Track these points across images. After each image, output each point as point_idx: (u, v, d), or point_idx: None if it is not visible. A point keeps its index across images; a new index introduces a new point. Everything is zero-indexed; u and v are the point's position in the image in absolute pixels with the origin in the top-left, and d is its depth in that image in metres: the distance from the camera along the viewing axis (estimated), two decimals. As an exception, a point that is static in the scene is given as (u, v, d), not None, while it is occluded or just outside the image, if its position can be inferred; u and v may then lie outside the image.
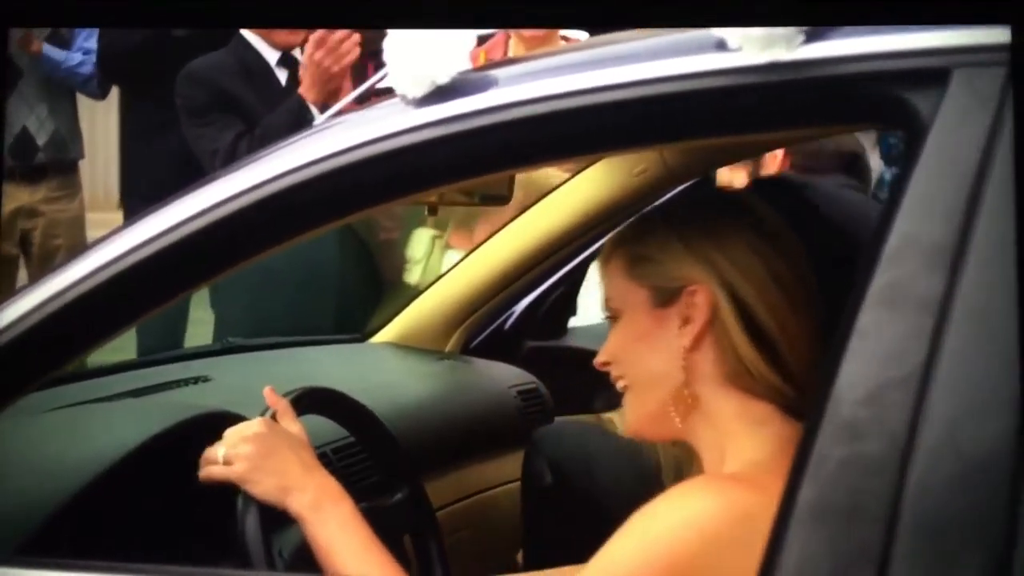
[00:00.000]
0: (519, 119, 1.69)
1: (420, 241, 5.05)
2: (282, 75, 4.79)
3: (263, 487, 1.95)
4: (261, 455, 1.96)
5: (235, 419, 2.32)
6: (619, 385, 1.85)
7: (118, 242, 1.83)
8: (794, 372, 1.74)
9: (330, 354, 3.40)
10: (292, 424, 2.03)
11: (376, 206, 1.78)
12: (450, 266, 4.98)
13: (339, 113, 1.87)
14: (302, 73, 4.50)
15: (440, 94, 1.74)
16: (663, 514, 1.66)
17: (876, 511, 1.39)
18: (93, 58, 5.52)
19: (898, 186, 1.47)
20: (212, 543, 2.07)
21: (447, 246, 5.01)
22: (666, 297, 1.78)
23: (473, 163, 1.73)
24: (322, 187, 1.75)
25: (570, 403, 3.30)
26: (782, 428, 1.73)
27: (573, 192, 3.14)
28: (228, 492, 2.00)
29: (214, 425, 2.24)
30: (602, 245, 1.90)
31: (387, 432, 2.26)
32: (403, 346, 3.42)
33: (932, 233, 1.43)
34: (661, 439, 1.88)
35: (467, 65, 1.76)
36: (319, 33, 4.35)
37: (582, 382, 3.36)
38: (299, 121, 4.59)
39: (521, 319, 3.52)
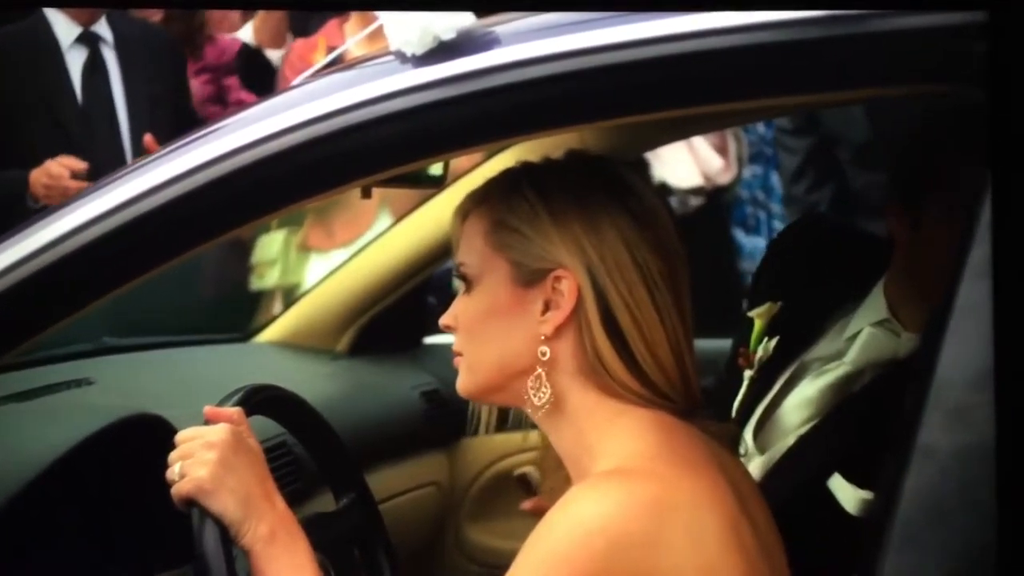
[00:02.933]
0: (540, 78, 1.52)
1: (271, 242, 4.83)
2: (79, 55, 4.36)
3: (221, 504, 1.71)
4: (224, 467, 1.71)
5: (162, 423, 2.12)
6: (456, 358, 1.72)
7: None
8: (651, 376, 1.63)
9: (212, 354, 3.18)
10: (250, 438, 1.79)
11: (370, 176, 1.59)
12: (310, 264, 4.80)
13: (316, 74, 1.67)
14: (40, 174, 4.07)
15: (443, 51, 1.56)
16: (562, 523, 1.54)
17: (995, 507, 1.25)
18: None
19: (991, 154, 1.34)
20: (150, 557, 1.86)
21: (304, 246, 4.79)
22: (529, 277, 1.66)
23: (487, 126, 1.56)
24: (312, 154, 1.55)
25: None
26: (652, 416, 1.63)
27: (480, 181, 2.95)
28: (169, 502, 1.77)
29: (143, 429, 2.03)
30: None
31: (334, 433, 2.06)
32: (290, 345, 3.21)
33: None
34: (504, 406, 1.77)
35: (471, 20, 1.58)
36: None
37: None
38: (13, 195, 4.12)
39: (417, 313, 3.33)
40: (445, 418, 3.13)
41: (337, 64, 1.77)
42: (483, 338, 1.69)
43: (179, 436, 1.76)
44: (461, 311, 1.71)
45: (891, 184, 2.21)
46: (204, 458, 1.72)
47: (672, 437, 1.61)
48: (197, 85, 4.96)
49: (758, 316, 2.26)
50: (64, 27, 4.35)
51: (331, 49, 4.72)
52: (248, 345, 3.25)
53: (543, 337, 1.64)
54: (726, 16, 1.47)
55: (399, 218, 3.17)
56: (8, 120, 4.26)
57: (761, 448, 2.14)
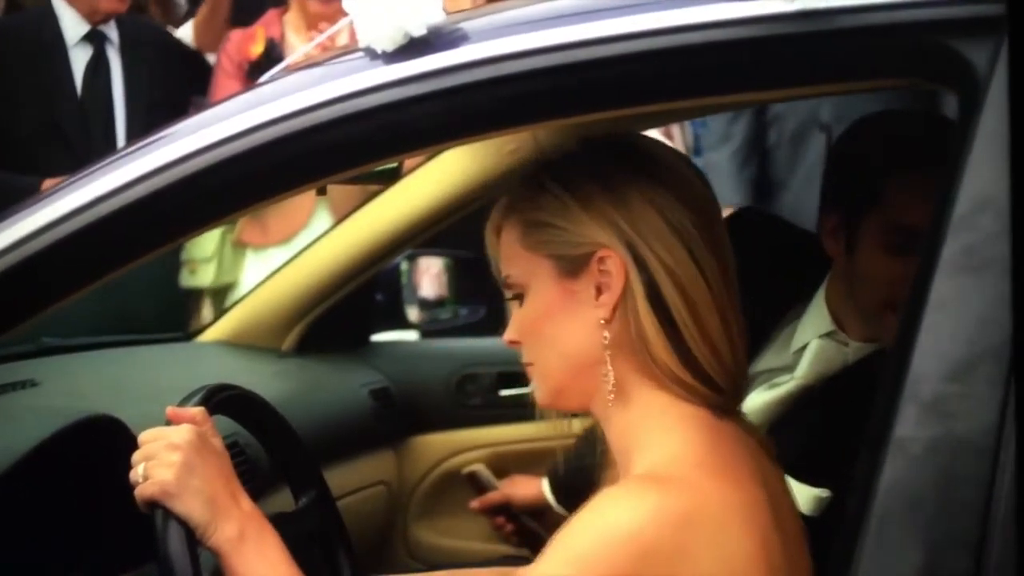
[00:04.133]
0: (512, 74, 1.52)
1: (206, 239, 4.77)
2: (83, 53, 4.32)
3: (186, 506, 1.69)
4: (188, 469, 1.69)
5: (119, 424, 2.10)
6: (528, 369, 1.69)
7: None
8: (694, 352, 1.59)
9: (156, 354, 3.14)
10: (215, 438, 1.77)
11: (342, 172, 1.58)
12: (246, 261, 4.75)
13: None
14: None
15: (413, 48, 1.56)
16: (593, 525, 1.52)
17: (970, 498, 1.27)
18: None
19: (961, 146, 1.35)
20: (112, 557, 1.84)
21: (240, 243, 4.74)
22: (573, 266, 1.63)
23: (462, 123, 1.55)
24: (280, 152, 1.54)
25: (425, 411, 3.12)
26: (698, 415, 1.60)
27: (431, 176, 2.93)
28: (130, 502, 1.75)
29: (101, 430, 2.01)
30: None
31: (294, 433, 2.05)
32: (234, 345, 3.18)
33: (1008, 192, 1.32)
34: (575, 411, 1.73)
35: (441, 16, 1.58)
36: None
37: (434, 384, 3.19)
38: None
39: (364, 311, 3.31)
40: (394, 416, 3.12)
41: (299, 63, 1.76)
42: (546, 341, 1.66)
43: (142, 436, 1.73)
44: (520, 323, 1.68)
45: (825, 203, 2.19)
46: (168, 460, 1.70)
47: (717, 442, 1.59)
48: None
49: None
50: (71, 24, 4.32)
51: (269, 39, 4.68)
52: (191, 345, 3.21)
53: (602, 321, 1.61)
54: (702, 11, 1.48)
55: (346, 214, 3.15)
56: (5, 113, 4.20)
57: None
